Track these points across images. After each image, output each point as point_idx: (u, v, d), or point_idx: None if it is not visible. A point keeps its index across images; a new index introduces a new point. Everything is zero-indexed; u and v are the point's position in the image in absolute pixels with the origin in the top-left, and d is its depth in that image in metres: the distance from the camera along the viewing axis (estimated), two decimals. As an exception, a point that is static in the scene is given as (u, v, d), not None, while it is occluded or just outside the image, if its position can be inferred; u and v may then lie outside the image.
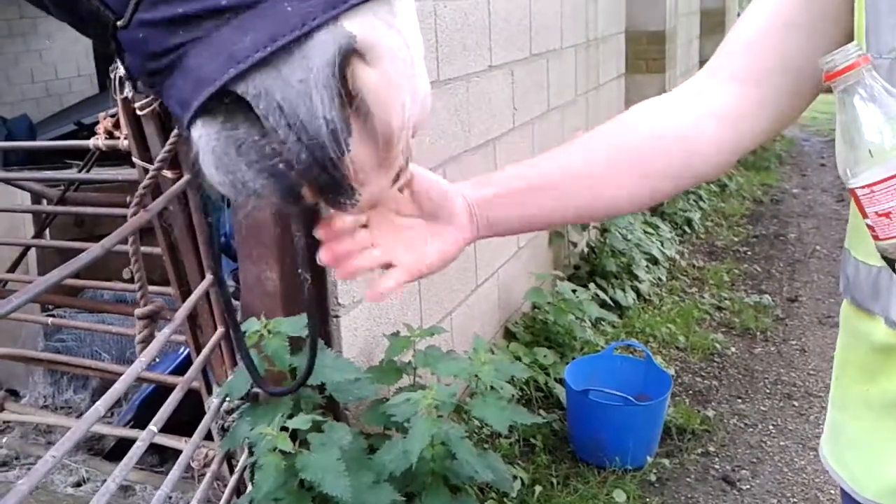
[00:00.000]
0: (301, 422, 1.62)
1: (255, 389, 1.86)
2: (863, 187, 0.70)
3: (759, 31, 0.91)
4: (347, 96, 0.54)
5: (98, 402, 1.47)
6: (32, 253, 3.09)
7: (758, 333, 4.02)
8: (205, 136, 0.55)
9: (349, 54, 0.54)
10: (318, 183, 0.55)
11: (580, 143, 0.93)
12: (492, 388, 2.13)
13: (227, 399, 1.97)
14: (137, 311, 1.65)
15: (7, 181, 2.97)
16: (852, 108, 0.71)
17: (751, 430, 3.15)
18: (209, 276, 1.99)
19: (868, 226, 0.72)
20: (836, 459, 0.98)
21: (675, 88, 0.97)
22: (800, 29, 0.88)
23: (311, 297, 1.76)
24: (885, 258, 0.73)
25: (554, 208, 0.90)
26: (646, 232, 4.90)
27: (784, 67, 0.89)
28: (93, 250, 1.50)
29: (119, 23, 0.56)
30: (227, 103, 0.54)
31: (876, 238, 0.72)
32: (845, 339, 0.95)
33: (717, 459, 2.94)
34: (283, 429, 1.65)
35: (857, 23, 0.81)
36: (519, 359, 3.19)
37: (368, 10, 0.54)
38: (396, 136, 0.56)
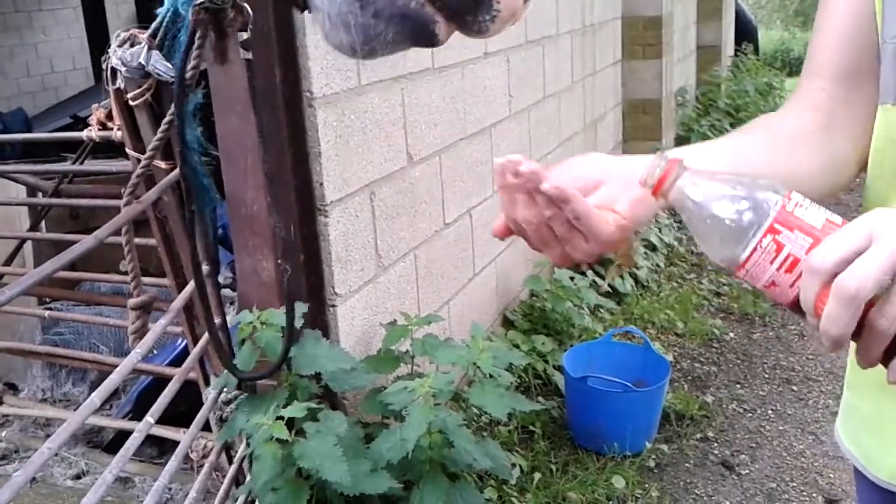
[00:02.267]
0: (296, 410, 1.61)
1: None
2: (740, 269, 0.68)
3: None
4: None
5: (94, 394, 1.47)
6: (29, 246, 3.09)
7: (756, 318, 4.02)
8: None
9: None
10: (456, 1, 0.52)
11: (745, 140, 0.90)
12: (490, 375, 2.13)
13: (225, 390, 1.97)
14: (130, 302, 1.66)
15: (1, 174, 2.97)
16: (691, 209, 0.69)
17: (749, 415, 3.15)
18: (204, 267, 1.99)
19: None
20: (850, 439, 1.00)
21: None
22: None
23: (294, 286, 1.75)
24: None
25: None
26: (644, 219, 4.89)
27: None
28: (86, 242, 1.50)
29: None
30: None
31: (779, 305, 0.71)
32: None
33: (715, 445, 2.95)
34: (279, 418, 1.64)
35: (877, 8, 0.85)
36: (517, 346, 3.19)
37: None
38: None
